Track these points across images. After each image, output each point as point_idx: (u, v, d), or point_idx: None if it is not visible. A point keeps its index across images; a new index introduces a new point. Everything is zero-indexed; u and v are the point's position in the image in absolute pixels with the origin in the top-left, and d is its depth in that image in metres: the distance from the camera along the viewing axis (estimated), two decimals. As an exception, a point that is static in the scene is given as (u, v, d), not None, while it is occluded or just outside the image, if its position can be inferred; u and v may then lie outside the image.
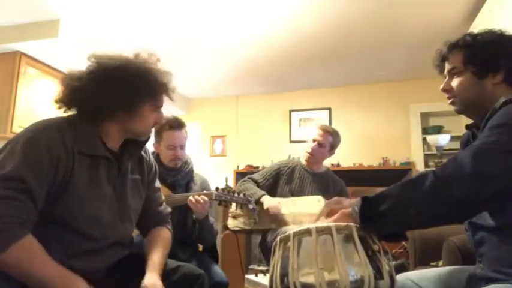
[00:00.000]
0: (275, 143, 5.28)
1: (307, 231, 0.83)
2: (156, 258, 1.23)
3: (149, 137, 1.32)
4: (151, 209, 1.38)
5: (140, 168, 1.34)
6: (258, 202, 2.14)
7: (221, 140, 5.62)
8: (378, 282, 0.78)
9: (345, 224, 0.85)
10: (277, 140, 5.31)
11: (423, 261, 1.98)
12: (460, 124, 1.24)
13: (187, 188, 1.96)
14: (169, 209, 1.49)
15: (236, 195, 1.92)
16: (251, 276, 2.12)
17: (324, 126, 2.41)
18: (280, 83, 5.08)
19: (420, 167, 4.56)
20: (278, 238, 0.89)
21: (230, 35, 3.64)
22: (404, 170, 4.50)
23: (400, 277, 1.13)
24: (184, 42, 3.76)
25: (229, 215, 2.27)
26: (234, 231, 2.27)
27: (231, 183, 4.92)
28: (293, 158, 3.08)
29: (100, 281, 1.18)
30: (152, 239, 1.33)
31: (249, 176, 2.39)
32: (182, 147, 1.90)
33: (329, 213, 0.99)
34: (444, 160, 3.55)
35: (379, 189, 0.91)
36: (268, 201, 2.13)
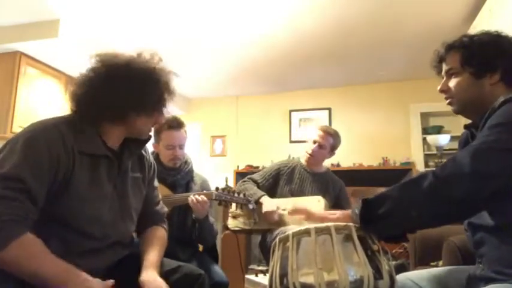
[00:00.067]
0: (275, 143, 5.27)
1: (307, 232, 0.83)
2: (152, 257, 1.23)
3: (150, 136, 1.32)
4: (148, 208, 1.38)
5: (140, 167, 1.34)
6: (258, 203, 2.14)
7: (221, 140, 5.62)
8: (378, 282, 0.78)
9: (344, 224, 0.85)
10: (277, 140, 5.31)
11: (423, 261, 1.97)
12: (460, 124, 1.23)
13: (187, 188, 1.96)
14: (165, 209, 1.49)
15: (236, 195, 1.92)
16: (251, 276, 2.12)
17: (324, 127, 2.41)
18: (280, 83, 5.07)
19: (420, 167, 4.56)
20: (277, 238, 0.89)
21: (230, 35, 3.64)
22: (404, 170, 4.50)
23: (400, 277, 1.13)
24: (184, 42, 3.76)
25: (229, 215, 2.27)
26: (234, 231, 2.27)
27: (231, 183, 4.92)
28: (293, 158, 3.08)
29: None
30: (148, 238, 1.33)
31: (249, 176, 2.39)
32: (181, 147, 1.90)
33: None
34: (444, 160, 3.56)
35: (379, 189, 0.91)
36: (266, 205, 2.13)
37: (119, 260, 1.25)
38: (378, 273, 0.79)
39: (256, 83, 5.05)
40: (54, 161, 1.04)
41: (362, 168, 4.73)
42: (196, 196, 1.78)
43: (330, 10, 3.16)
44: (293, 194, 2.29)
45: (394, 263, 2.41)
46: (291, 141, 5.26)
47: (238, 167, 5.22)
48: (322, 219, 0.94)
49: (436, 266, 1.84)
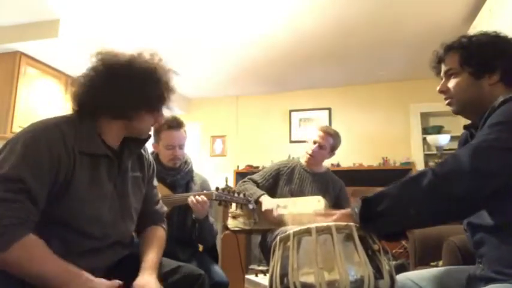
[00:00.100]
0: (275, 143, 5.27)
1: (307, 231, 0.83)
2: (150, 258, 1.22)
3: (149, 135, 1.32)
4: (148, 207, 1.38)
5: (140, 166, 1.34)
6: (257, 202, 2.14)
7: (221, 140, 5.62)
8: (378, 282, 0.78)
9: (345, 223, 0.85)
10: (277, 140, 5.31)
11: (423, 261, 1.97)
12: (460, 124, 1.23)
13: (187, 188, 1.96)
14: (165, 208, 1.49)
15: (236, 195, 1.92)
16: (251, 276, 2.12)
17: (325, 127, 2.41)
18: (280, 83, 5.07)
19: (420, 167, 4.56)
20: (278, 238, 0.89)
21: (230, 35, 3.64)
22: (404, 170, 4.50)
23: (400, 277, 1.13)
24: (184, 42, 3.76)
25: (229, 215, 2.27)
26: (234, 232, 2.26)
27: (231, 183, 4.92)
28: (293, 158, 3.08)
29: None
30: (147, 238, 1.32)
31: (249, 176, 2.39)
32: (181, 146, 1.90)
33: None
34: (444, 160, 3.54)
35: (379, 190, 0.91)
36: (266, 203, 2.13)
37: (119, 260, 1.25)
38: (378, 273, 0.79)
39: (256, 83, 5.05)
40: (55, 161, 1.04)
41: (362, 168, 4.73)
42: (197, 197, 1.78)
43: (330, 10, 3.16)
44: (293, 194, 2.29)
45: (394, 263, 2.41)
46: (291, 141, 5.26)
47: (238, 167, 5.22)
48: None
49: (436, 266, 1.84)
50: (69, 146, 1.08)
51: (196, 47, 3.89)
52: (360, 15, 3.23)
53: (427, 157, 4.68)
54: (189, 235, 1.89)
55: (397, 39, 3.71)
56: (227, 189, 1.90)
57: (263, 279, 2.01)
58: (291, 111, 5.34)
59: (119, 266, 1.24)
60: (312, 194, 2.27)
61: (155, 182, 1.45)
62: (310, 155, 2.34)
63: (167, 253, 1.38)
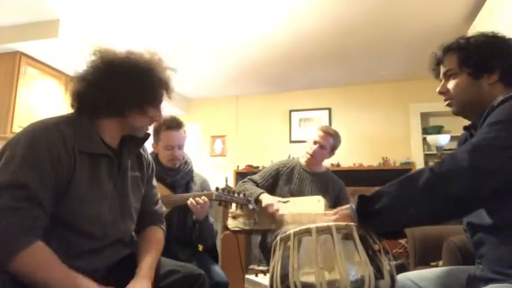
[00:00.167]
0: (275, 143, 5.28)
1: (308, 231, 0.83)
2: (146, 263, 1.22)
3: (148, 134, 1.31)
4: (147, 207, 1.38)
5: (139, 166, 1.34)
6: (257, 200, 2.14)
7: (221, 140, 5.62)
8: (379, 282, 0.78)
9: (345, 223, 0.85)
10: (277, 140, 5.31)
11: (423, 261, 1.97)
12: (460, 124, 1.23)
13: (187, 188, 1.96)
14: (164, 208, 1.49)
15: (236, 195, 1.92)
16: (251, 276, 2.11)
17: (325, 127, 2.41)
18: (280, 83, 5.08)
19: (420, 167, 4.55)
20: (278, 237, 0.89)
21: (230, 35, 3.64)
22: (404, 170, 4.49)
23: (400, 277, 1.13)
24: (184, 42, 3.76)
25: (229, 215, 2.27)
26: (234, 232, 2.26)
27: (231, 183, 4.92)
28: (293, 158, 3.08)
29: (100, 281, 1.17)
30: (145, 240, 1.32)
31: (248, 177, 2.39)
32: (180, 147, 1.89)
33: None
34: (444, 160, 3.55)
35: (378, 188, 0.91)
36: (266, 199, 2.13)
37: (120, 259, 1.25)
38: (378, 273, 0.79)
39: (256, 83, 5.06)
40: (55, 161, 1.04)
41: (362, 168, 4.73)
42: (196, 198, 1.77)
43: (330, 10, 3.16)
44: (292, 194, 2.29)
45: (394, 263, 2.40)
46: (291, 141, 5.26)
47: (238, 167, 5.22)
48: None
49: (436, 266, 1.84)
50: (69, 145, 1.08)
51: (196, 47, 3.89)
52: (359, 15, 3.23)
53: (427, 157, 4.68)
54: (189, 235, 1.89)
55: (397, 39, 3.71)
56: (227, 189, 1.90)
57: (263, 279, 2.01)
58: (291, 111, 5.34)
59: (119, 266, 1.23)
60: (312, 193, 2.27)
61: (154, 182, 1.45)
62: (310, 155, 2.34)
63: (167, 253, 1.38)
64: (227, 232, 3.13)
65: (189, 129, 2.08)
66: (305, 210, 2.08)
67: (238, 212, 2.20)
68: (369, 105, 5.01)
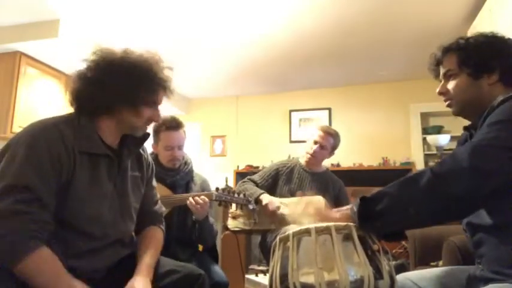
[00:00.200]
0: (275, 143, 5.28)
1: (307, 231, 0.83)
2: (145, 262, 1.22)
3: (148, 134, 1.31)
4: (147, 207, 1.38)
5: (139, 166, 1.34)
6: (258, 200, 2.14)
7: (221, 140, 5.62)
8: (378, 282, 0.78)
9: (345, 223, 0.85)
10: (277, 140, 5.31)
11: (423, 261, 1.97)
12: (460, 124, 1.23)
13: (187, 188, 1.96)
14: (163, 208, 1.49)
15: (236, 195, 1.92)
16: (251, 276, 2.12)
17: (325, 127, 2.41)
18: (280, 83, 5.08)
19: (420, 167, 4.56)
20: (278, 238, 0.89)
21: (230, 35, 3.64)
22: (404, 170, 4.50)
23: (400, 277, 1.13)
24: (184, 42, 3.76)
25: (229, 215, 2.27)
26: (234, 232, 2.26)
27: (231, 183, 4.92)
28: (293, 158, 3.07)
29: (100, 281, 1.17)
30: (145, 239, 1.32)
31: (248, 177, 2.39)
32: (180, 147, 1.89)
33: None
34: (444, 160, 3.55)
35: (378, 189, 0.91)
36: (267, 198, 2.14)
37: (120, 260, 1.25)
38: (378, 273, 0.79)
39: (256, 83, 5.06)
40: (55, 161, 1.04)
41: (362, 168, 4.73)
42: (196, 198, 1.77)
43: (330, 10, 3.16)
44: (292, 194, 2.29)
45: (394, 263, 2.40)
46: (291, 141, 5.26)
47: (238, 167, 5.22)
48: (326, 217, 0.94)
49: (436, 266, 1.84)
50: (68, 145, 1.08)
51: (196, 47, 3.90)
52: (359, 15, 3.23)
53: (427, 157, 4.68)
54: (189, 235, 1.89)
55: (397, 39, 3.71)
56: (227, 190, 1.90)
57: (263, 279, 2.01)
58: (291, 111, 5.34)
59: (119, 266, 1.24)
60: (312, 193, 2.26)
61: (154, 183, 1.45)
62: (311, 155, 2.34)
63: (167, 253, 1.38)
64: (227, 232, 3.13)
65: (189, 129, 2.08)
66: (305, 210, 2.08)
67: (238, 212, 2.20)
68: (369, 105, 5.01)
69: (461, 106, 1.10)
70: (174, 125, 1.86)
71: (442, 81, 1.14)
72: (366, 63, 4.34)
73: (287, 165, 2.41)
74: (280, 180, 2.35)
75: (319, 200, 2.12)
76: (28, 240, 0.95)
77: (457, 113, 1.13)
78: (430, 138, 4.28)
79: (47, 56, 3.69)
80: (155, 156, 1.92)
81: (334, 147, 2.38)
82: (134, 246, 1.31)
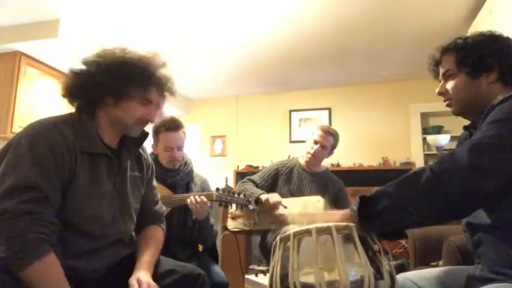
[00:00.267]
0: (275, 143, 5.28)
1: (307, 231, 0.83)
2: (146, 258, 1.22)
3: (147, 134, 1.31)
4: (147, 207, 1.38)
5: (139, 166, 1.34)
6: (258, 200, 2.14)
7: (221, 140, 5.62)
8: (378, 283, 0.78)
9: (345, 224, 0.85)
10: (277, 140, 5.31)
11: (423, 261, 1.98)
12: (460, 124, 1.24)
13: (187, 189, 1.96)
14: (164, 208, 1.49)
15: (236, 195, 1.91)
16: (251, 276, 2.12)
17: (325, 127, 2.41)
18: (280, 83, 5.08)
19: (420, 167, 4.56)
20: (278, 238, 0.89)
21: (230, 35, 3.64)
22: (404, 170, 4.49)
23: (400, 277, 1.12)
24: (184, 42, 3.76)
25: (229, 215, 2.27)
26: (233, 232, 2.26)
27: (231, 183, 4.92)
28: (292, 158, 3.08)
29: (100, 281, 1.17)
30: (145, 238, 1.32)
31: (248, 177, 2.39)
32: (180, 148, 1.89)
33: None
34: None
35: (377, 188, 0.91)
36: (267, 195, 2.14)
37: (120, 259, 1.25)
38: (378, 274, 0.79)
39: (256, 83, 5.06)
40: (58, 160, 1.04)
41: (362, 168, 4.73)
42: (196, 197, 1.77)
43: (330, 10, 3.16)
44: (292, 193, 2.29)
45: (394, 263, 2.40)
46: (291, 141, 5.26)
47: (238, 167, 5.22)
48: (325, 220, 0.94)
49: (436, 266, 1.84)
50: (70, 145, 1.08)
51: (196, 47, 3.89)
52: (359, 15, 3.23)
53: (427, 157, 4.68)
54: (189, 235, 1.89)
55: (397, 39, 3.71)
56: (227, 190, 1.90)
57: (263, 279, 2.01)
58: (291, 111, 5.34)
59: (119, 266, 1.24)
60: (311, 193, 2.27)
61: (154, 183, 1.45)
62: (312, 155, 2.34)
63: (167, 253, 1.38)
64: (227, 232, 3.13)
65: (189, 129, 2.08)
66: (305, 210, 2.08)
67: (238, 212, 2.20)
68: (369, 105, 5.01)
69: (460, 106, 1.10)
70: (173, 125, 1.85)
71: (442, 82, 1.14)
72: (366, 63, 4.34)
73: (286, 165, 2.41)
74: (279, 180, 2.35)
75: (318, 200, 2.12)
76: (38, 244, 0.95)
77: (456, 113, 1.13)
78: (430, 138, 4.28)
79: (47, 56, 3.69)
80: (155, 156, 1.92)
81: (334, 147, 2.39)
82: (134, 246, 1.32)
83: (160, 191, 1.51)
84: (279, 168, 2.39)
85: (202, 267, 1.45)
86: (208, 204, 1.80)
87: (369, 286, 0.75)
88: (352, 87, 5.11)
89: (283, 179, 2.35)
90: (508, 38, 1.07)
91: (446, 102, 1.13)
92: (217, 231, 2.05)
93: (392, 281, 0.81)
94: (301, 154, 2.44)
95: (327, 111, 5.18)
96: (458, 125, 1.20)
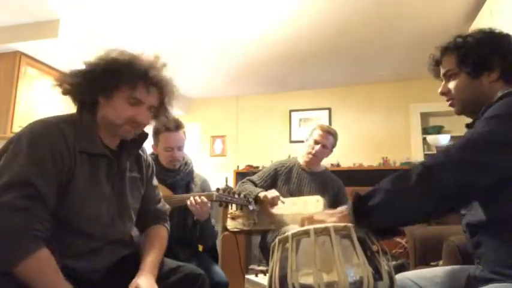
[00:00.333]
0: (275, 143, 5.28)
1: (306, 232, 0.83)
2: (150, 260, 1.22)
3: (147, 135, 1.31)
4: (149, 206, 1.38)
5: (138, 166, 1.34)
6: (257, 198, 2.14)
7: (221, 140, 5.62)
8: (377, 283, 0.78)
9: (344, 224, 0.85)
10: (277, 140, 5.31)
11: (423, 261, 1.98)
12: (460, 124, 1.24)
13: (187, 189, 1.96)
14: (167, 206, 1.49)
15: (237, 196, 1.91)
16: (251, 276, 2.12)
17: (325, 127, 2.41)
18: (280, 83, 5.07)
19: (420, 167, 4.56)
20: (277, 239, 0.89)
21: (230, 35, 3.64)
22: (405, 170, 4.50)
23: (400, 277, 1.12)
24: (184, 42, 3.76)
25: (228, 216, 2.27)
26: (233, 232, 2.27)
27: (231, 183, 4.92)
28: (292, 158, 3.08)
29: (100, 281, 1.18)
30: (149, 238, 1.33)
31: (247, 178, 2.39)
32: (180, 148, 1.89)
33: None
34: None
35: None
36: (265, 192, 2.15)
37: (120, 259, 1.25)
38: (377, 274, 0.79)
39: (256, 83, 5.05)
40: (57, 159, 1.05)
41: (362, 168, 4.73)
42: (196, 198, 1.77)
43: (330, 10, 3.16)
44: (291, 193, 2.29)
45: (394, 263, 2.40)
46: (291, 141, 5.26)
47: (238, 167, 5.22)
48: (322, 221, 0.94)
49: (436, 266, 1.84)
50: (69, 144, 1.08)
51: (196, 47, 3.89)
52: (359, 14, 3.23)
53: (427, 157, 4.67)
54: (190, 235, 1.89)
55: (397, 39, 3.71)
56: (227, 190, 1.90)
57: (263, 279, 2.01)
58: (291, 111, 5.34)
59: (118, 266, 1.24)
60: (311, 193, 2.27)
61: (155, 182, 1.45)
62: (313, 155, 2.34)
63: (167, 253, 1.37)
64: (226, 232, 3.13)
65: (189, 129, 2.07)
66: (304, 210, 2.08)
67: (238, 212, 2.21)
68: (368, 105, 5.01)
69: (463, 105, 1.09)
70: (173, 126, 1.86)
71: (443, 81, 1.13)
72: (366, 63, 4.34)
73: (286, 165, 2.41)
74: (279, 180, 2.35)
75: (317, 200, 2.13)
76: (31, 239, 0.95)
77: (459, 112, 1.12)
78: (430, 138, 4.28)
79: (47, 56, 3.69)
80: (155, 157, 1.92)
81: (333, 146, 2.40)
82: (134, 246, 1.32)
83: (160, 191, 1.51)
84: (278, 168, 2.39)
85: (202, 267, 1.45)
86: (209, 205, 1.80)
87: (367, 287, 0.75)
88: (352, 87, 5.11)
89: (283, 179, 2.35)
90: (508, 36, 1.05)
91: (449, 102, 1.13)
92: (217, 232, 2.05)
93: (392, 281, 0.81)
94: (301, 154, 2.44)
95: (327, 111, 5.18)
96: (458, 124, 1.20)
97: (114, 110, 1.15)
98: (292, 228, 0.88)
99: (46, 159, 1.02)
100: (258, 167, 4.85)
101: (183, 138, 1.92)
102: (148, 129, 1.34)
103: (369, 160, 4.78)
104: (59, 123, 1.10)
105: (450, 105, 1.13)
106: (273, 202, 2.12)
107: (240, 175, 4.82)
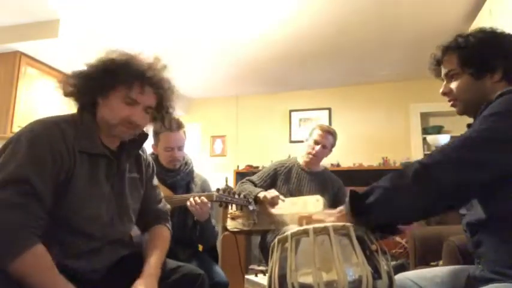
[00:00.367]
0: (275, 143, 5.27)
1: (305, 232, 0.83)
2: (152, 262, 1.22)
3: (147, 135, 1.31)
4: (150, 206, 1.38)
5: (138, 167, 1.34)
6: (257, 199, 2.14)
7: (221, 140, 5.62)
8: (376, 282, 0.78)
9: (342, 224, 0.85)
10: (277, 140, 5.31)
11: (423, 261, 1.98)
12: (460, 124, 1.24)
13: (187, 189, 1.96)
14: (168, 206, 1.49)
15: (237, 196, 1.91)
16: (251, 277, 2.12)
17: (325, 127, 2.41)
18: (280, 83, 5.07)
19: (420, 167, 4.55)
20: (276, 239, 0.89)
21: (230, 35, 3.64)
22: (403, 168, 4.50)
23: (399, 277, 1.13)
24: (184, 42, 3.76)
25: (228, 216, 2.27)
26: (233, 232, 2.27)
27: (231, 183, 4.92)
28: (291, 157, 3.08)
29: (100, 281, 1.18)
30: (151, 239, 1.33)
31: (247, 178, 2.40)
32: (180, 148, 1.89)
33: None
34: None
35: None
36: (265, 192, 2.14)
37: (120, 259, 1.25)
38: (376, 273, 0.79)
39: (256, 83, 5.05)
40: (56, 158, 1.05)
41: (362, 168, 4.73)
42: (196, 198, 1.77)
43: (330, 10, 3.16)
44: (291, 193, 2.29)
45: (394, 263, 2.41)
46: (291, 141, 5.26)
47: (238, 167, 5.22)
48: (320, 221, 0.94)
49: (436, 266, 1.84)
50: (69, 144, 1.08)
51: (196, 47, 3.89)
52: (359, 14, 3.23)
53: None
54: (190, 235, 1.89)
55: (397, 39, 3.71)
56: (227, 190, 1.90)
57: (263, 279, 2.01)
58: (291, 111, 5.34)
59: (118, 266, 1.24)
60: (310, 193, 2.27)
61: (155, 182, 1.45)
62: (313, 155, 2.34)
63: (167, 253, 1.38)
64: (226, 233, 3.13)
65: (189, 129, 2.07)
66: (304, 210, 2.08)
67: (238, 213, 2.21)
68: (368, 105, 5.01)
69: (465, 106, 1.09)
70: (173, 126, 1.85)
71: (445, 81, 1.13)
72: (366, 63, 4.34)
73: (285, 165, 2.41)
74: (278, 180, 2.36)
75: (317, 200, 2.13)
76: (27, 236, 0.95)
77: (461, 113, 1.12)
78: (430, 138, 4.28)
79: (47, 56, 3.69)
80: (155, 157, 1.92)
81: (333, 146, 2.40)
82: (133, 246, 1.32)
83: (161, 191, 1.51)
84: (278, 168, 2.40)
85: (202, 267, 1.45)
86: (209, 205, 1.80)
87: (367, 286, 0.75)
88: (352, 87, 5.11)
89: (282, 178, 2.35)
90: (510, 36, 1.05)
91: (451, 102, 1.12)
92: (217, 232, 2.05)
93: (391, 280, 0.81)
94: (300, 154, 2.44)
95: (327, 111, 5.18)
96: (458, 125, 1.20)
97: (110, 109, 1.15)
98: (292, 228, 0.88)
99: (45, 159, 1.02)
100: (258, 167, 4.84)
101: (183, 138, 1.92)
102: (148, 129, 1.34)
103: (369, 160, 4.77)
104: (60, 123, 1.10)
105: (452, 105, 1.12)
106: (273, 202, 2.12)
107: (240, 175, 4.82)
